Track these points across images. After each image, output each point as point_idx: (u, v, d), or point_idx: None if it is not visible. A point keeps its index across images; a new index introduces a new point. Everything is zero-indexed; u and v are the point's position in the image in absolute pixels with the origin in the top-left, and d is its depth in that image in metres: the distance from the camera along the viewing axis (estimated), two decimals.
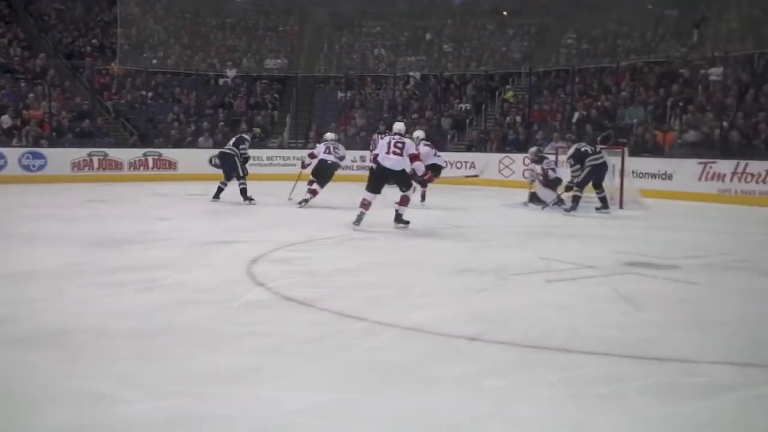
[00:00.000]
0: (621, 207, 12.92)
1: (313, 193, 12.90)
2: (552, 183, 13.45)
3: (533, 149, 14.19)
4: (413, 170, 9.99)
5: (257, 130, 22.21)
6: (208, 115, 22.74)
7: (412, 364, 3.95)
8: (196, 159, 19.97)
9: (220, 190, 13.61)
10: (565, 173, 13.18)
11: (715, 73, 17.86)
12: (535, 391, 3.56)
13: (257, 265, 6.75)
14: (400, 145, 9.96)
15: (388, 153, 9.93)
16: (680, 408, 3.40)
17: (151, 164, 19.64)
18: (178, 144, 21.05)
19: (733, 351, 4.24)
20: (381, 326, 4.63)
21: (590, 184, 12.15)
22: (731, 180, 14.48)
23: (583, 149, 12.19)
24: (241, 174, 13.41)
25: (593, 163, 12.02)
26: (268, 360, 3.95)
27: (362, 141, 21.18)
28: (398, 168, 9.88)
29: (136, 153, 19.65)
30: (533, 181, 13.90)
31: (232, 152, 13.42)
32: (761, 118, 15.51)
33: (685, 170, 15.22)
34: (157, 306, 5.09)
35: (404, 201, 9.97)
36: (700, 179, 14.91)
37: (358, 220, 9.76)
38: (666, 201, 14.38)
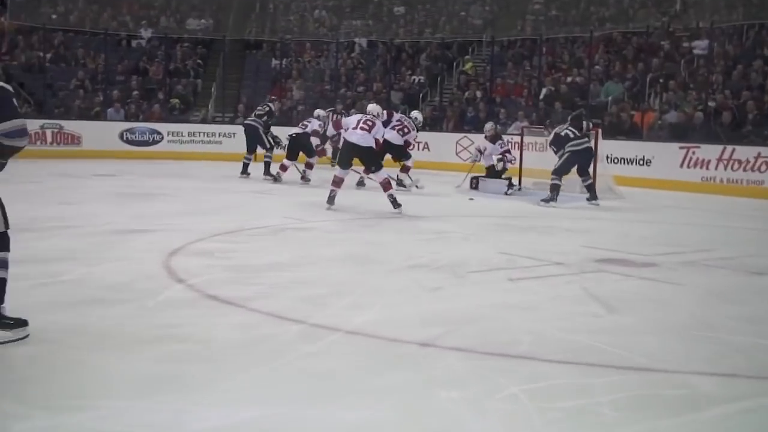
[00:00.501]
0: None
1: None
2: (499, 172, 13.69)
3: (490, 125, 14.33)
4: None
5: (176, 101, 21.99)
6: (119, 82, 22.34)
7: (356, 373, 3.95)
8: (105, 134, 19.66)
9: (245, 165, 14.95)
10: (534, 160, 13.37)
11: (700, 46, 18.24)
12: (495, 404, 3.58)
13: (177, 258, 6.68)
14: (369, 123, 10.80)
15: (356, 128, 10.75)
16: (658, 424, 3.45)
17: (49, 138, 19.27)
18: (83, 116, 20.66)
19: (716, 360, 4.33)
20: (320, 330, 4.62)
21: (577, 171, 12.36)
22: (716, 167, 14.83)
23: (563, 133, 12.38)
24: (267, 146, 14.79)
25: (573, 148, 12.18)
26: (188, 369, 3.91)
27: (300, 116, 21.08)
28: (365, 144, 10.66)
29: (32, 125, 19.21)
30: (476, 161, 14.10)
31: (255, 123, 14.23)
32: (750, 96, 15.87)
33: (665, 155, 15.55)
34: (57, 305, 5.00)
35: (386, 185, 10.68)
36: (681, 166, 15.25)
37: (331, 200, 10.65)
38: (643, 190, 14.64)
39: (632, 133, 16.81)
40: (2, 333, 4.20)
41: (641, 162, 15.89)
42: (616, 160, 15.69)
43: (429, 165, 16.11)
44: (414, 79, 22.91)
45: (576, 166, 12.34)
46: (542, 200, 12.05)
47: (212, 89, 23.83)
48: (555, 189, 12.07)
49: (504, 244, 8.06)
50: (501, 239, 8.47)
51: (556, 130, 12.59)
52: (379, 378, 3.87)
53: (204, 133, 20.85)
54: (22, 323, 4.26)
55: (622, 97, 18.27)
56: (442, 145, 18.96)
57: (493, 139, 14.14)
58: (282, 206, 10.84)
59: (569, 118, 12.99)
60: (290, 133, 14.54)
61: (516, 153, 14.46)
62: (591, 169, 12.42)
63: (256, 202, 11.43)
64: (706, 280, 6.56)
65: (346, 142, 10.86)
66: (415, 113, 14.70)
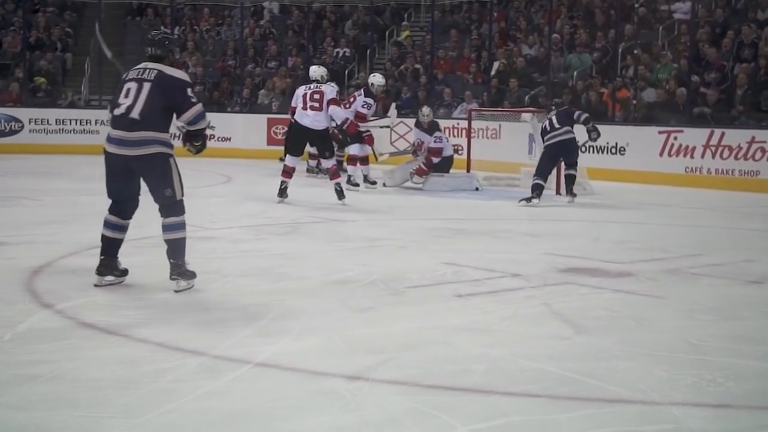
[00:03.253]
0: (558, 192, 13.27)
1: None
2: (437, 165, 13.81)
3: (425, 110, 14.33)
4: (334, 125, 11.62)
5: (40, 80, 21.72)
6: None
7: (267, 414, 3.93)
8: None
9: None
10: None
11: (681, 9, 18.53)
12: None
13: (42, 277, 6.59)
14: (317, 96, 11.48)
15: (305, 108, 11.43)
16: None
17: None
18: None
19: (705, 388, 4.41)
20: (223, 362, 4.59)
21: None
22: (703, 155, 15.15)
23: (543, 125, 12.75)
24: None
25: (550, 142, 12.41)
26: (57, 417, 3.84)
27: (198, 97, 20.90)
28: (320, 127, 11.44)
29: None
30: (414, 154, 14.16)
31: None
32: (742, 70, 16.09)
33: (642, 142, 15.83)
34: None
35: (334, 174, 11.52)
36: (661, 154, 15.54)
37: (282, 192, 11.57)
38: (616, 184, 14.89)
39: (602, 115, 16.97)
40: (183, 282, 6.25)
41: (613, 150, 16.15)
42: (583, 149, 15.83)
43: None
44: (337, 52, 22.89)
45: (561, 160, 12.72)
46: (522, 199, 12.22)
47: (86, 66, 23.46)
48: (537, 188, 12.25)
49: (450, 252, 8.11)
50: (447, 247, 8.52)
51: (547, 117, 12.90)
52: (298, 421, 3.85)
53: (76, 120, 20.59)
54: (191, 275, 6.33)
55: (588, 71, 18.50)
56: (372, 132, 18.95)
57: (429, 130, 14.07)
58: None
59: (553, 107, 13.18)
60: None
61: (461, 141, 14.53)
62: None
63: (143, 204, 11.24)
64: (693, 292, 6.69)
65: (296, 124, 11.62)
66: (374, 77, 14.51)
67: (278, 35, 23.98)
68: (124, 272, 6.49)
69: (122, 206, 6.56)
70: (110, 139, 6.28)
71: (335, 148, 12.71)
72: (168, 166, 6.33)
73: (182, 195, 6.43)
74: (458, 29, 22.08)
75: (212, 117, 20.12)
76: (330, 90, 11.82)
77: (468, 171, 14.44)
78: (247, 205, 11.50)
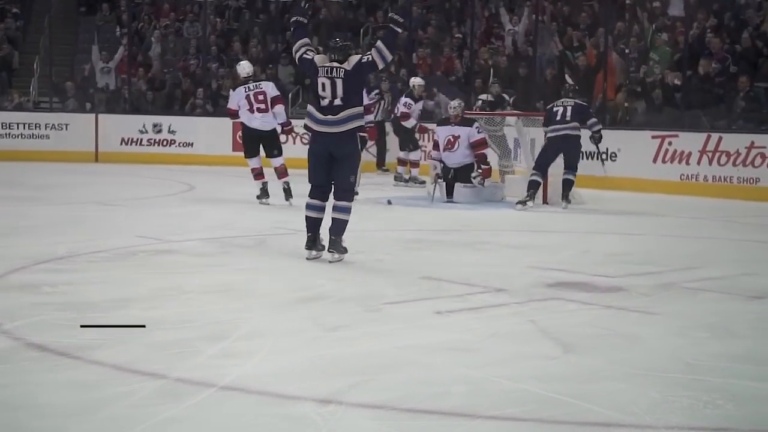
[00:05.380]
0: (546, 201, 13.31)
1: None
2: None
3: (455, 103, 14.17)
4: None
5: None
6: None
7: None
8: None
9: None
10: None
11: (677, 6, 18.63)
12: None
13: None
14: (261, 96, 12.16)
15: (252, 111, 12.13)
16: None
17: None
18: None
19: (701, 411, 4.40)
20: (185, 385, 4.57)
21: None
22: (699, 161, 15.23)
23: (554, 109, 13.02)
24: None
25: (557, 133, 12.54)
26: None
27: (161, 102, 20.86)
28: (269, 128, 12.31)
29: None
30: (439, 176, 13.86)
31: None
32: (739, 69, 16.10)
33: (635, 147, 15.88)
34: None
35: (282, 172, 12.40)
36: (655, 160, 15.58)
37: (264, 193, 12.46)
38: (607, 193, 14.89)
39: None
40: (336, 255, 8.13)
41: (604, 156, 16.10)
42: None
43: None
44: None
45: (562, 157, 12.88)
46: (518, 203, 12.50)
47: (35, 65, 23.36)
48: (533, 186, 12.37)
49: (429, 266, 8.11)
50: (425, 260, 8.52)
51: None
52: None
53: (24, 124, 20.48)
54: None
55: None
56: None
57: (466, 121, 13.87)
58: (135, 221, 10.70)
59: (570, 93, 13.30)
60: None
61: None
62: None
63: (99, 216, 11.24)
64: (688, 308, 6.72)
65: (246, 128, 12.48)
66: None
67: (245, 29, 23.89)
68: (323, 248, 8.34)
69: (324, 190, 8.37)
70: (318, 121, 8.27)
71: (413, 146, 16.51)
72: (357, 159, 8.70)
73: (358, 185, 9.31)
74: (438, 27, 22.12)
75: (172, 121, 20.28)
76: (271, 88, 12.50)
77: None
78: (210, 215, 11.45)
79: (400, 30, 8.56)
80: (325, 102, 8.18)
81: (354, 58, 8.23)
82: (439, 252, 9.11)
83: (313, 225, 8.35)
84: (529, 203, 12.37)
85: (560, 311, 6.46)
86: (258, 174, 12.46)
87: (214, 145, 20.33)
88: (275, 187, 12.36)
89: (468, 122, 13.76)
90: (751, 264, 8.74)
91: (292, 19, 8.93)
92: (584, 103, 13.50)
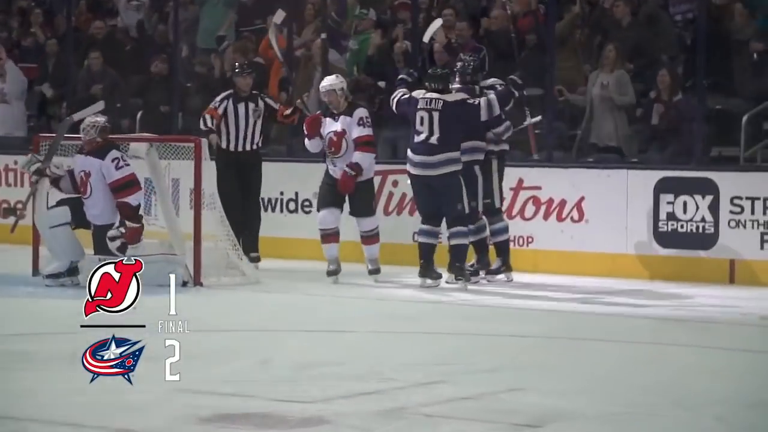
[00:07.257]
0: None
1: None
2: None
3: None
4: None
5: None
6: None
7: None
8: None
9: None
10: None
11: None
12: None
13: None
14: None
15: None
16: None
17: None
18: None
19: None
20: None
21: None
22: None
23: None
24: None
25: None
26: None
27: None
28: None
29: None
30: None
31: None
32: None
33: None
34: None
35: None
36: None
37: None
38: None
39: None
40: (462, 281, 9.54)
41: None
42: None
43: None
44: None
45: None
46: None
47: None
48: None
49: None
50: None
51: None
52: None
53: None
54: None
55: None
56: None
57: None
58: None
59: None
60: None
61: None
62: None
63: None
64: None
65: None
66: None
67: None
68: (440, 275, 9.38)
69: (435, 217, 9.37)
70: (413, 164, 9.12)
71: None
72: (460, 185, 9.24)
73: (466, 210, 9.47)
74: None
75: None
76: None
77: None
78: None
79: (516, 93, 8.88)
80: (420, 137, 8.76)
81: (459, 95, 8.60)
82: None
83: (426, 251, 9.35)
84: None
85: None
86: None
87: None
88: None
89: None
90: (517, 372, 6.61)
91: (399, 77, 9.55)
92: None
